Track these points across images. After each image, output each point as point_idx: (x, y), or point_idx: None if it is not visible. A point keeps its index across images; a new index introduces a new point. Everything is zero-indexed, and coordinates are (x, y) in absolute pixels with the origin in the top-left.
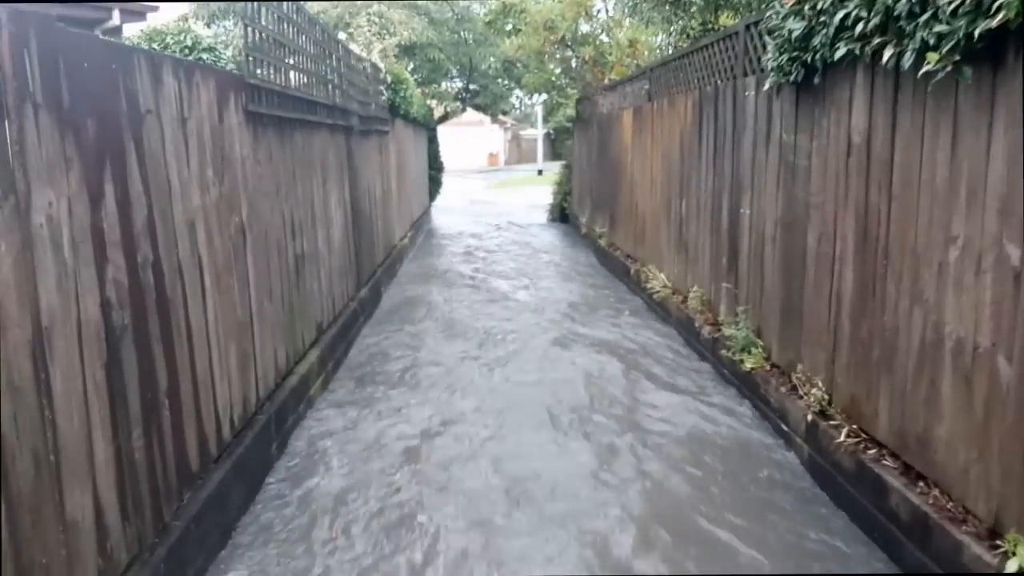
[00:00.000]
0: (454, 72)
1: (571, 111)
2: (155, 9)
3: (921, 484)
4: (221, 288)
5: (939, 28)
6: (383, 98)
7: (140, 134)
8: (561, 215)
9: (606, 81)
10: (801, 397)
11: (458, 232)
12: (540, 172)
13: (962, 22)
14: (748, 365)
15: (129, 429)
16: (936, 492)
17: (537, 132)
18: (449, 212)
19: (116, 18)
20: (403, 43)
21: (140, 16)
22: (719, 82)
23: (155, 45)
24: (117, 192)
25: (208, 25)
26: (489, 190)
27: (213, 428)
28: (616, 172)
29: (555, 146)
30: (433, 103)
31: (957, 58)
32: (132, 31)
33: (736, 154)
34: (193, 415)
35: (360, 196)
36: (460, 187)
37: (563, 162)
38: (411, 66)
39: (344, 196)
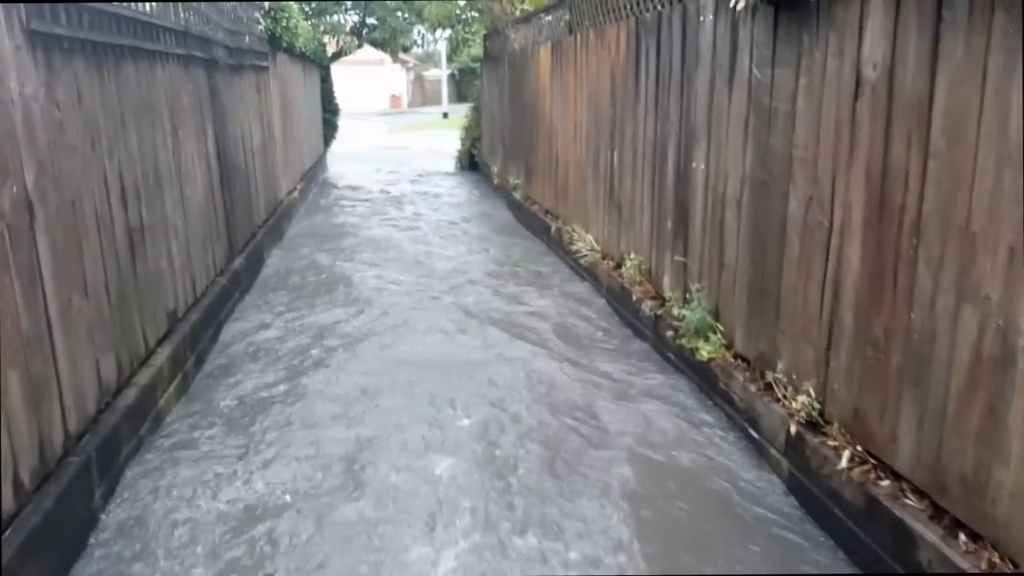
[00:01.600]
0: (348, 3)
1: (477, 50)
2: None
3: (964, 538)
4: None
5: None
6: (260, 27)
7: None
8: (470, 163)
9: (518, 13)
10: (779, 400)
11: (357, 183)
12: (445, 115)
13: None
14: (704, 353)
15: None
16: (994, 556)
17: (441, 73)
18: (348, 159)
19: None
20: None
21: None
22: (661, 7)
23: None
24: None
25: None
26: (392, 134)
27: None
28: (532, 117)
29: (460, 87)
30: (326, 39)
31: None
32: None
33: (687, 96)
34: None
35: (231, 145)
36: (361, 131)
37: (470, 104)
38: None
39: (207, 146)
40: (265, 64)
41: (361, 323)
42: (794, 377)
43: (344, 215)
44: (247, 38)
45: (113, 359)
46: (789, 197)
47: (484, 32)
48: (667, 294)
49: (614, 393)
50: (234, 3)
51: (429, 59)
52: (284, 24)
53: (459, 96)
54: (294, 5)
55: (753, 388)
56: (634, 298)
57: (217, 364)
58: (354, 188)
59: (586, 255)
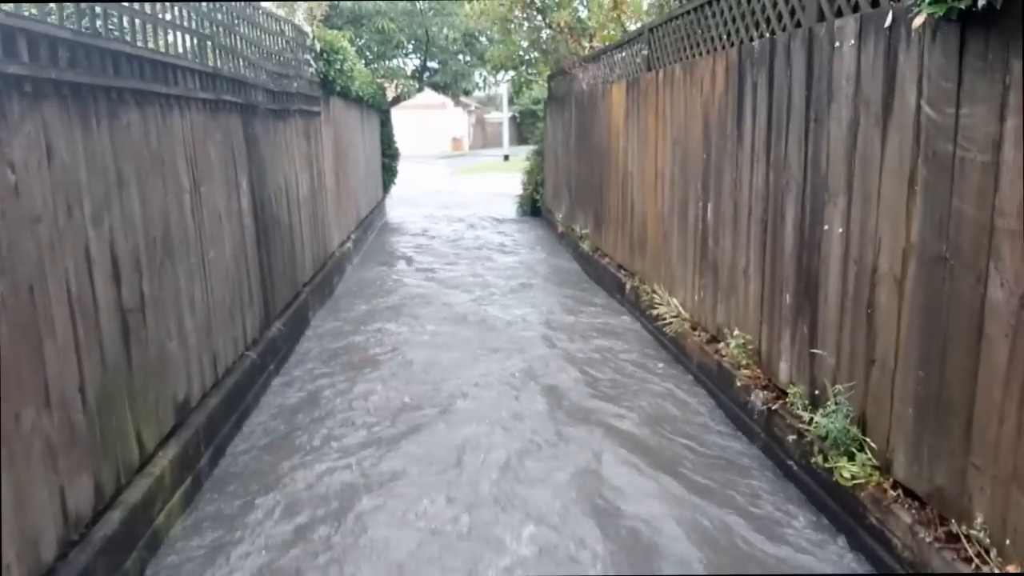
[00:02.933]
0: (408, 47)
1: (537, 92)
2: None
3: None
4: None
5: None
6: (311, 70)
7: None
8: (532, 208)
9: (586, 51)
10: (971, 560)
11: (416, 229)
12: (506, 157)
13: None
14: (847, 475)
15: None
16: None
17: (502, 115)
18: (407, 204)
19: None
20: (340, 8)
21: None
22: (775, 33)
23: None
24: None
25: None
26: (452, 177)
27: None
28: (602, 161)
29: (521, 130)
30: (385, 83)
31: None
32: None
33: (814, 140)
34: None
35: (271, 198)
36: (422, 174)
37: (532, 147)
38: (361, 41)
39: (240, 202)
40: (316, 109)
41: (415, 401)
42: (1007, 543)
43: (399, 266)
44: (295, 81)
45: (89, 480)
46: (987, 281)
47: (548, 73)
48: (788, 389)
49: (720, 516)
50: (281, 47)
51: (491, 102)
52: (338, 67)
53: (520, 138)
54: (350, 47)
55: (926, 536)
56: (738, 383)
57: (237, 463)
58: (412, 235)
59: (670, 322)
